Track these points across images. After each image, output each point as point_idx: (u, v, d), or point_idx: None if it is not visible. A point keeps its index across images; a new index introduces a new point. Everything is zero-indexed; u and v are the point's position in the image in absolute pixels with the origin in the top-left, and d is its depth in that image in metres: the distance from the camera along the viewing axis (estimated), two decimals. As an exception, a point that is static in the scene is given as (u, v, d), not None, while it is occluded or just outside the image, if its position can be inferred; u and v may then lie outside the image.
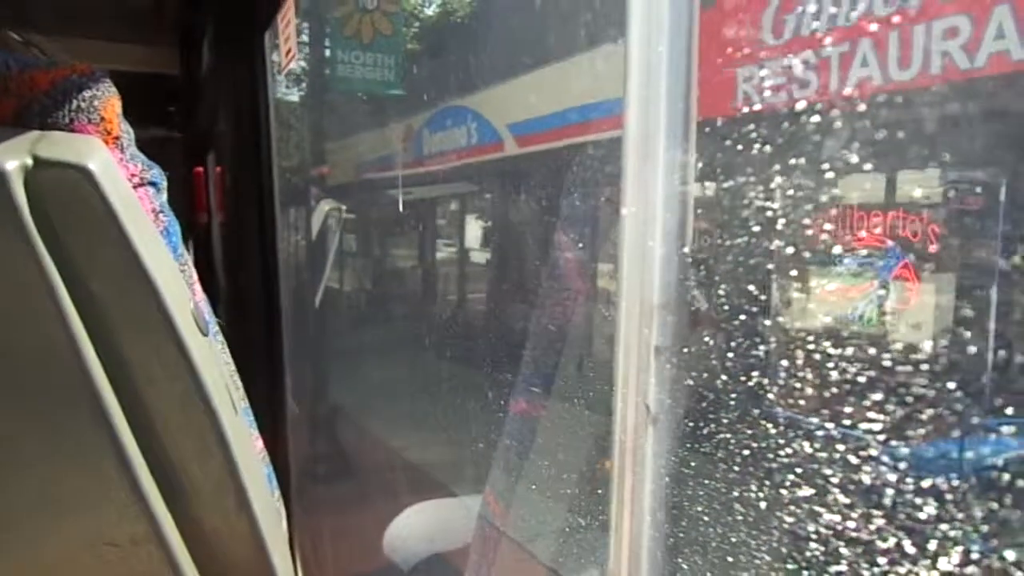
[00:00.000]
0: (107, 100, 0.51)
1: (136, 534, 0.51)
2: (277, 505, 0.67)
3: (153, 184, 0.55)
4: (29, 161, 0.44)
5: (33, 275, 0.45)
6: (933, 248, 3.55)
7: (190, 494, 0.54)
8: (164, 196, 0.57)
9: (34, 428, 0.50)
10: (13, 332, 0.47)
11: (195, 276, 0.60)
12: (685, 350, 0.64)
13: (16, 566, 0.54)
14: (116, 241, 0.47)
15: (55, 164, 0.45)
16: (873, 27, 3.31)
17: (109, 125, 0.51)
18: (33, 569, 0.54)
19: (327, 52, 6.91)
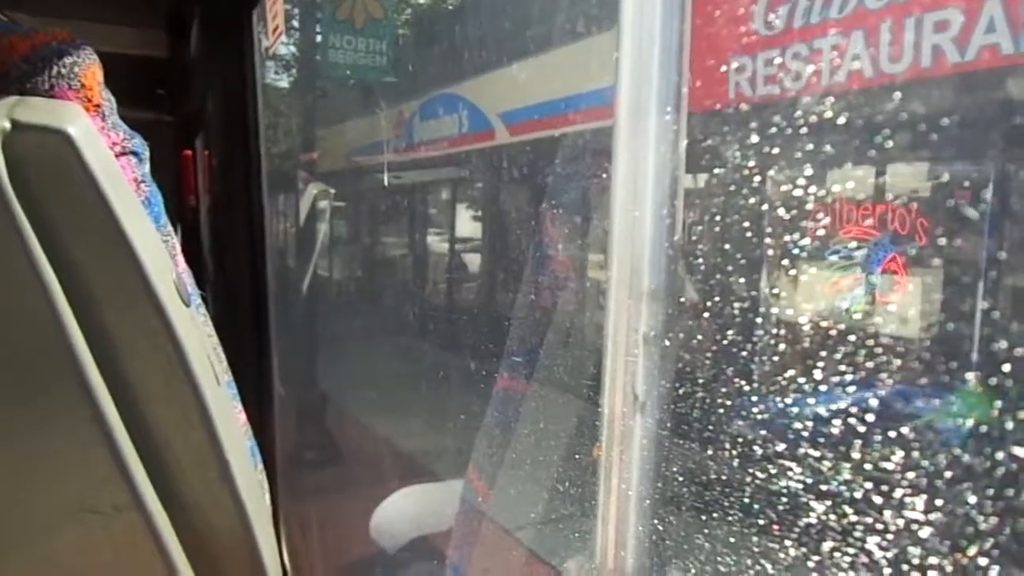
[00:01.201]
0: (88, 67, 0.51)
1: (118, 501, 0.51)
2: (260, 478, 0.67)
3: (135, 154, 0.55)
4: (7, 124, 0.44)
5: (12, 240, 0.45)
6: (922, 241, 3.58)
7: (172, 463, 0.54)
8: (147, 167, 0.57)
9: (15, 395, 0.49)
10: None
11: (178, 247, 0.59)
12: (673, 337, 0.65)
13: None
14: (97, 207, 0.47)
15: (34, 128, 0.45)
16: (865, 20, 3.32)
17: (90, 92, 0.51)
18: (15, 535, 0.54)
19: (319, 37, 6.85)
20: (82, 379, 0.48)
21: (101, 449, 0.50)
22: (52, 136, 0.45)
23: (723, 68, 3.64)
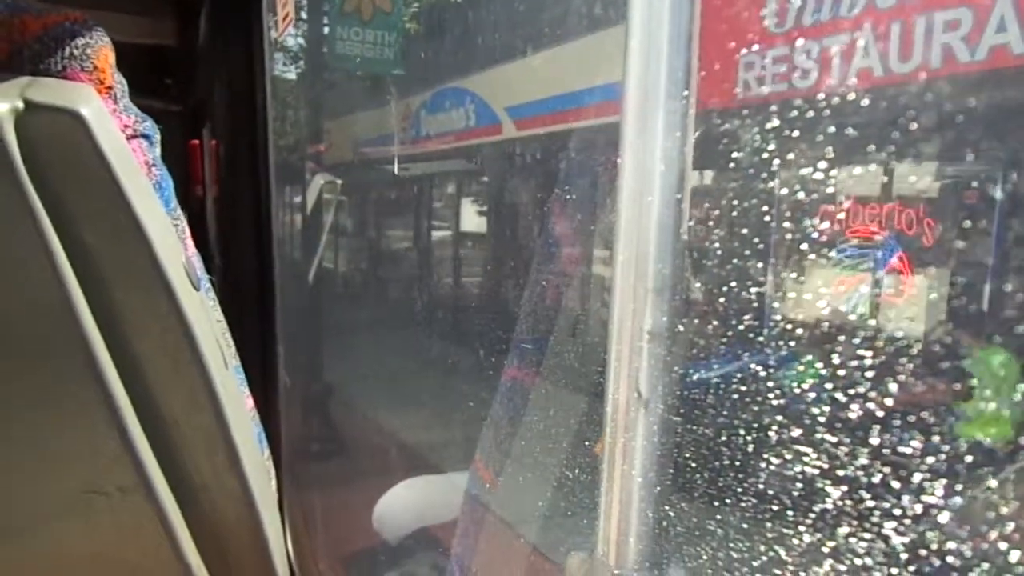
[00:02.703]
0: (100, 49, 0.51)
1: (124, 483, 0.52)
2: (267, 464, 0.68)
3: (146, 137, 0.55)
4: (20, 105, 0.44)
5: (23, 221, 0.45)
6: (928, 241, 3.57)
7: (180, 447, 0.54)
8: (157, 150, 0.57)
9: (24, 375, 0.50)
10: (3, 278, 0.47)
11: (188, 232, 0.60)
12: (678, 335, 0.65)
13: (3, 512, 0.54)
14: (108, 189, 0.47)
15: (47, 108, 0.45)
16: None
17: (102, 74, 0.51)
18: (21, 515, 0.54)
19: (326, 29, 6.83)
20: (91, 360, 0.48)
21: (108, 430, 0.50)
22: (65, 117, 0.45)
23: (732, 64, 3.63)
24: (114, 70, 0.52)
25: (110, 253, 0.49)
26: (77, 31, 0.50)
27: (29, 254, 0.46)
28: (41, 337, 0.49)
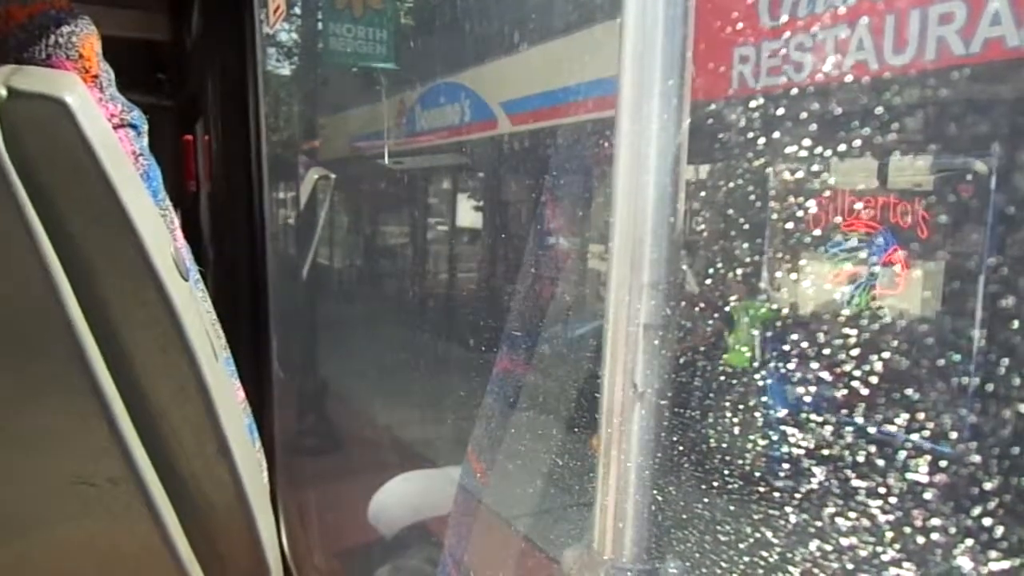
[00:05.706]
0: (86, 37, 0.50)
1: (113, 474, 0.51)
2: (258, 456, 0.67)
3: (133, 126, 0.54)
4: (3, 92, 0.44)
5: (8, 209, 0.44)
6: (924, 234, 3.58)
7: (168, 436, 0.54)
8: (145, 140, 0.56)
9: (11, 366, 0.49)
10: None
11: (176, 222, 0.59)
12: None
13: None
14: (94, 178, 0.46)
15: (31, 96, 0.44)
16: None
17: (88, 63, 0.50)
18: (12, 507, 0.54)
19: (319, 24, 6.82)
20: (78, 350, 0.48)
21: (97, 421, 0.49)
22: (49, 104, 0.45)
23: (726, 57, 3.63)
24: (100, 59, 0.52)
25: (96, 241, 0.48)
26: (62, 19, 0.49)
27: (14, 243, 0.45)
28: (27, 327, 0.48)
